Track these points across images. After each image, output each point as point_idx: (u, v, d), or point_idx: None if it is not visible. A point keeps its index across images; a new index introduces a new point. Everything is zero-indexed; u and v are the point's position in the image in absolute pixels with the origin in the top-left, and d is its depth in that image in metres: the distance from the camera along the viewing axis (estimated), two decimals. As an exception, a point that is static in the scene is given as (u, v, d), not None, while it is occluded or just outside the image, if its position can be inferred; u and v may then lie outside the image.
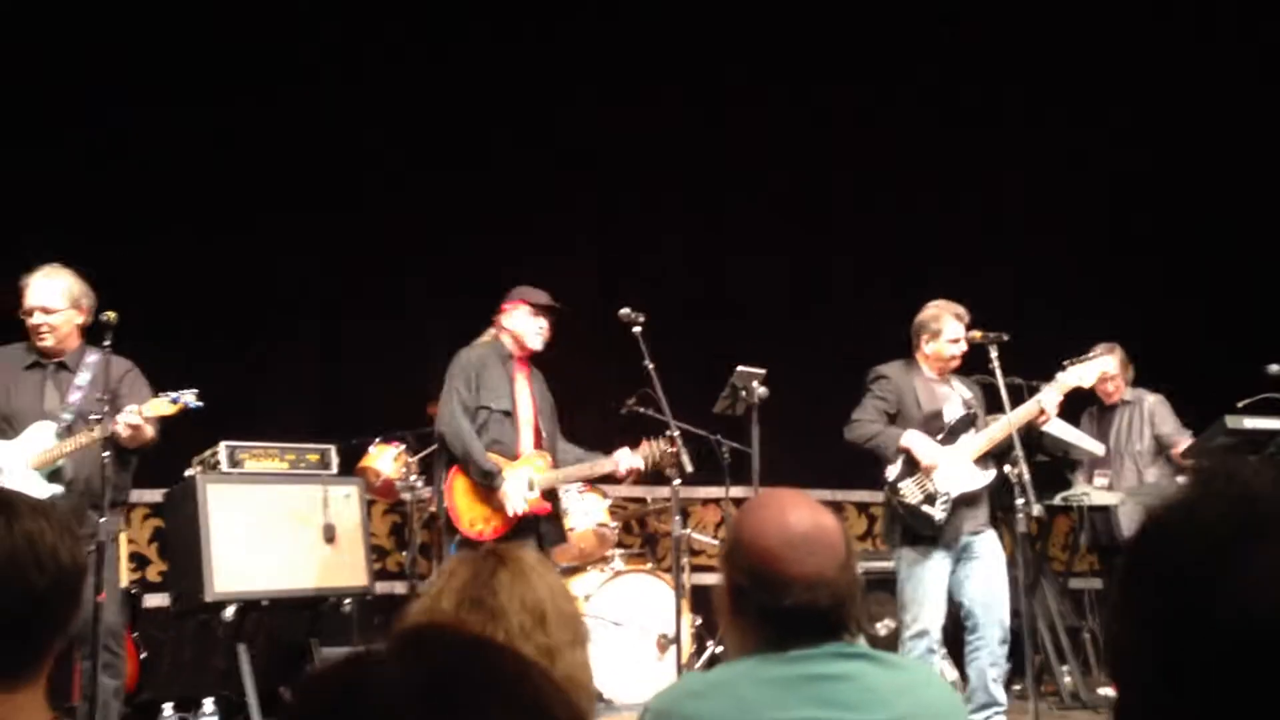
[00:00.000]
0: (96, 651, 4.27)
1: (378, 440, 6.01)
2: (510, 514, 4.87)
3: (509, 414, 5.04)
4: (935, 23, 7.65)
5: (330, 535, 5.38)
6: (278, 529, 5.29)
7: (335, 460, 5.64)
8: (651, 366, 4.94)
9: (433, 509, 6.11)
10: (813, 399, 7.02)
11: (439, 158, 7.00)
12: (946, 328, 5.10)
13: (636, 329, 4.97)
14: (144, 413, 4.41)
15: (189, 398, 4.47)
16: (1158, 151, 7.48)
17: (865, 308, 7.46)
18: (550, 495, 5.11)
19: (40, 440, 4.48)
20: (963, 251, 7.46)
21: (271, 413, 6.32)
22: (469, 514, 4.94)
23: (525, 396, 5.15)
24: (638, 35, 7.38)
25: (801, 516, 1.81)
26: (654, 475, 5.32)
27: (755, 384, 5.11)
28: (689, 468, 4.98)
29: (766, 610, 1.77)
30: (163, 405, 4.45)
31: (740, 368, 5.20)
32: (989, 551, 5.01)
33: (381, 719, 0.68)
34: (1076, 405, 5.81)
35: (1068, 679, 5.90)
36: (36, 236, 4.93)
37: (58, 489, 4.43)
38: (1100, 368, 5.24)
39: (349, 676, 0.72)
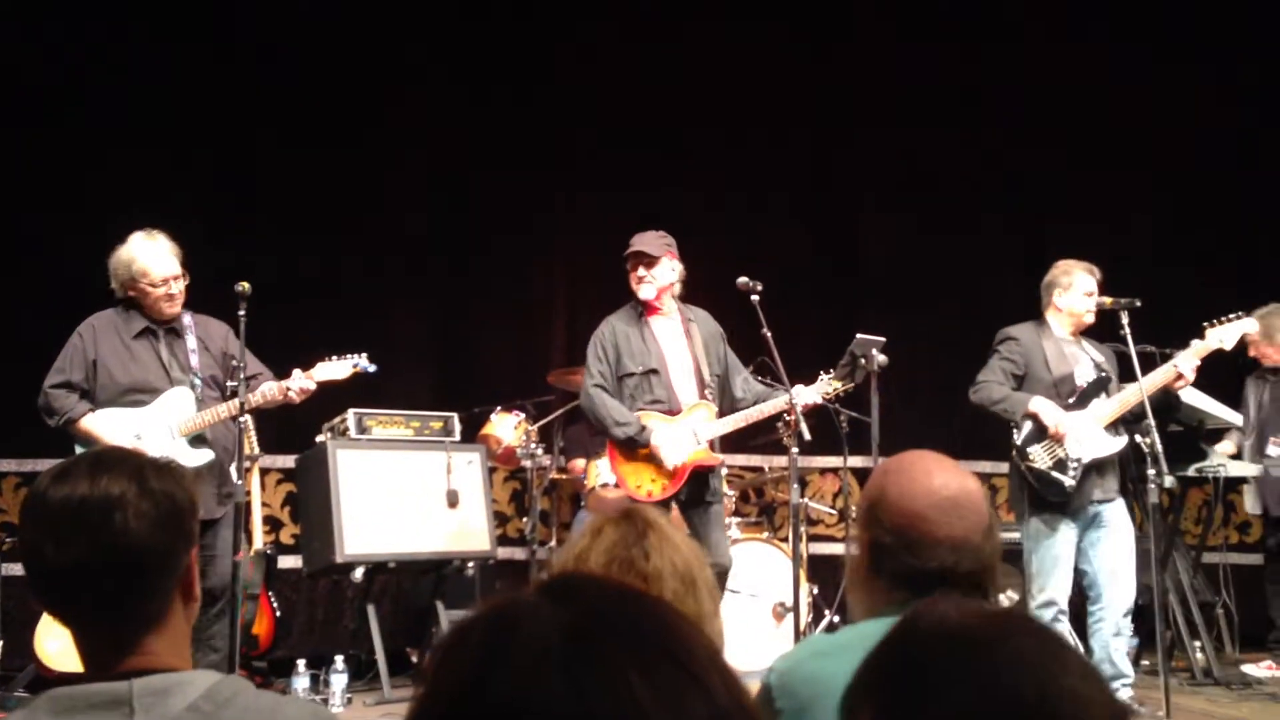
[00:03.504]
0: (236, 605, 4.45)
1: (499, 409, 6.12)
2: (670, 468, 4.81)
3: (655, 372, 4.95)
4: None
5: (454, 500, 5.51)
6: (404, 494, 5.44)
7: (458, 428, 5.77)
8: (769, 335, 4.92)
9: (553, 476, 6.22)
10: (935, 368, 6.92)
11: (551, 122, 7.04)
12: (1078, 281, 5.01)
13: (755, 297, 4.94)
14: (316, 377, 4.52)
15: (364, 362, 4.56)
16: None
17: (990, 274, 7.30)
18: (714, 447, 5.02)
19: (182, 407, 4.55)
20: (1095, 214, 7.23)
21: (393, 380, 6.46)
22: (634, 479, 4.90)
23: (675, 349, 5.02)
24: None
25: (949, 479, 1.80)
26: (772, 445, 5.30)
27: (874, 352, 5.03)
28: (807, 436, 4.96)
29: (906, 570, 1.76)
30: (341, 369, 4.54)
31: (859, 335, 5.13)
32: (1117, 521, 4.90)
33: (526, 655, 0.69)
34: (1221, 372, 5.61)
35: (1200, 654, 5.73)
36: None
37: (209, 454, 4.56)
38: (1242, 329, 5.07)
39: (500, 614, 0.73)
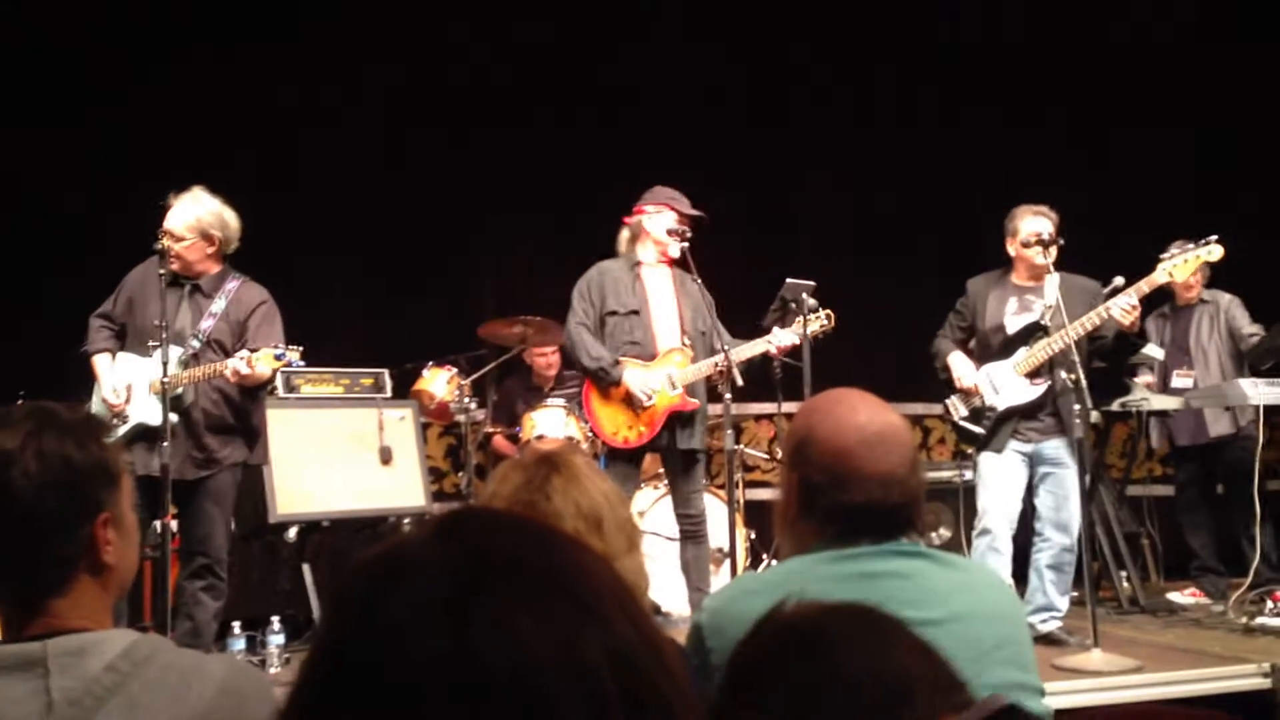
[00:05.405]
0: (166, 572, 4.38)
1: (431, 364, 6.06)
2: (639, 405, 4.88)
3: (637, 313, 4.99)
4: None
5: (387, 457, 5.47)
6: (336, 452, 5.38)
7: (389, 384, 5.70)
8: (699, 282, 4.91)
9: (488, 430, 6.18)
10: (867, 311, 6.97)
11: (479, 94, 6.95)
12: (1023, 225, 4.97)
13: (684, 244, 4.93)
14: (251, 361, 4.44)
15: (293, 355, 4.49)
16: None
17: (922, 220, 7.35)
18: (694, 394, 5.04)
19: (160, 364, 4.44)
20: (1039, 163, 7.30)
21: (323, 337, 6.37)
22: (610, 424, 4.98)
23: (661, 295, 5.04)
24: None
25: (875, 415, 1.80)
26: (707, 392, 5.28)
27: (805, 296, 5.05)
28: (739, 382, 4.96)
29: (838, 506, 1.76)
30: (268, 359, 4.46)
31: (790, 280, 5.13)
32: (1061, 459, 4.95)
33: (408, 597, 0.67)
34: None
35: (1126, 584, 5.88)
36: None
37: (156, 416, 4.42)
38: (1203, 256, 4.72)
39: (390, 557, 0.71)
